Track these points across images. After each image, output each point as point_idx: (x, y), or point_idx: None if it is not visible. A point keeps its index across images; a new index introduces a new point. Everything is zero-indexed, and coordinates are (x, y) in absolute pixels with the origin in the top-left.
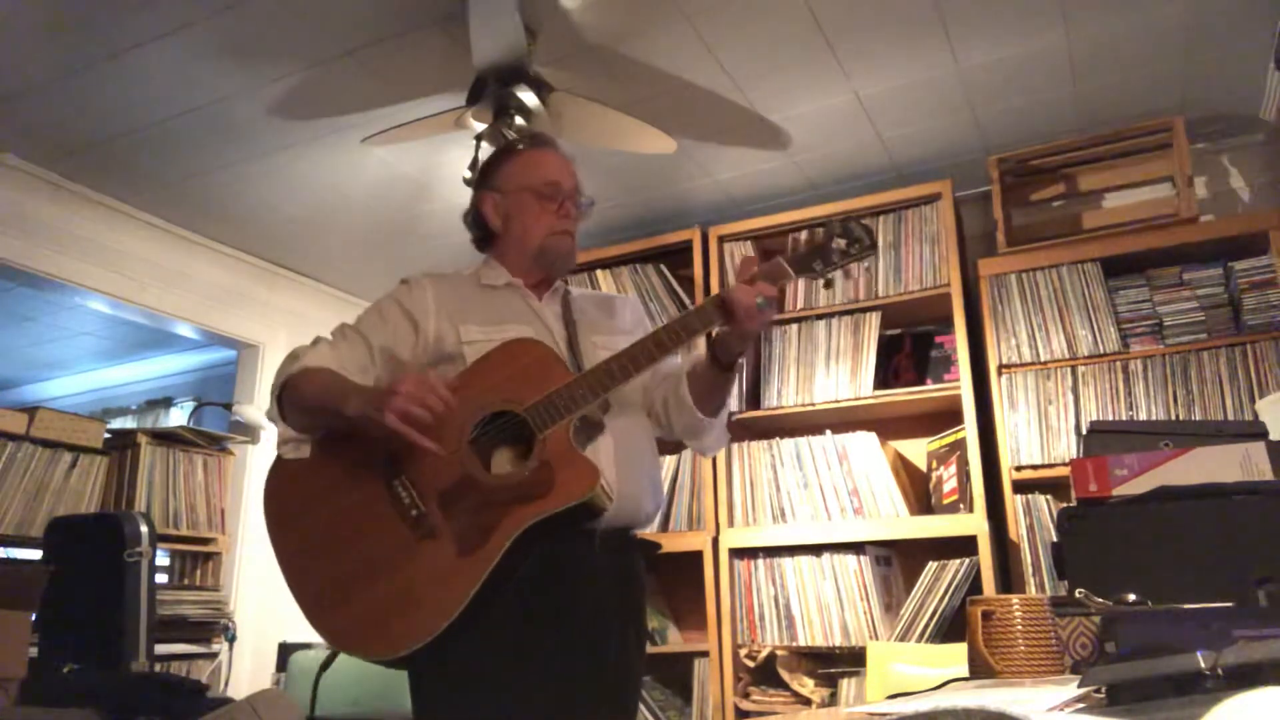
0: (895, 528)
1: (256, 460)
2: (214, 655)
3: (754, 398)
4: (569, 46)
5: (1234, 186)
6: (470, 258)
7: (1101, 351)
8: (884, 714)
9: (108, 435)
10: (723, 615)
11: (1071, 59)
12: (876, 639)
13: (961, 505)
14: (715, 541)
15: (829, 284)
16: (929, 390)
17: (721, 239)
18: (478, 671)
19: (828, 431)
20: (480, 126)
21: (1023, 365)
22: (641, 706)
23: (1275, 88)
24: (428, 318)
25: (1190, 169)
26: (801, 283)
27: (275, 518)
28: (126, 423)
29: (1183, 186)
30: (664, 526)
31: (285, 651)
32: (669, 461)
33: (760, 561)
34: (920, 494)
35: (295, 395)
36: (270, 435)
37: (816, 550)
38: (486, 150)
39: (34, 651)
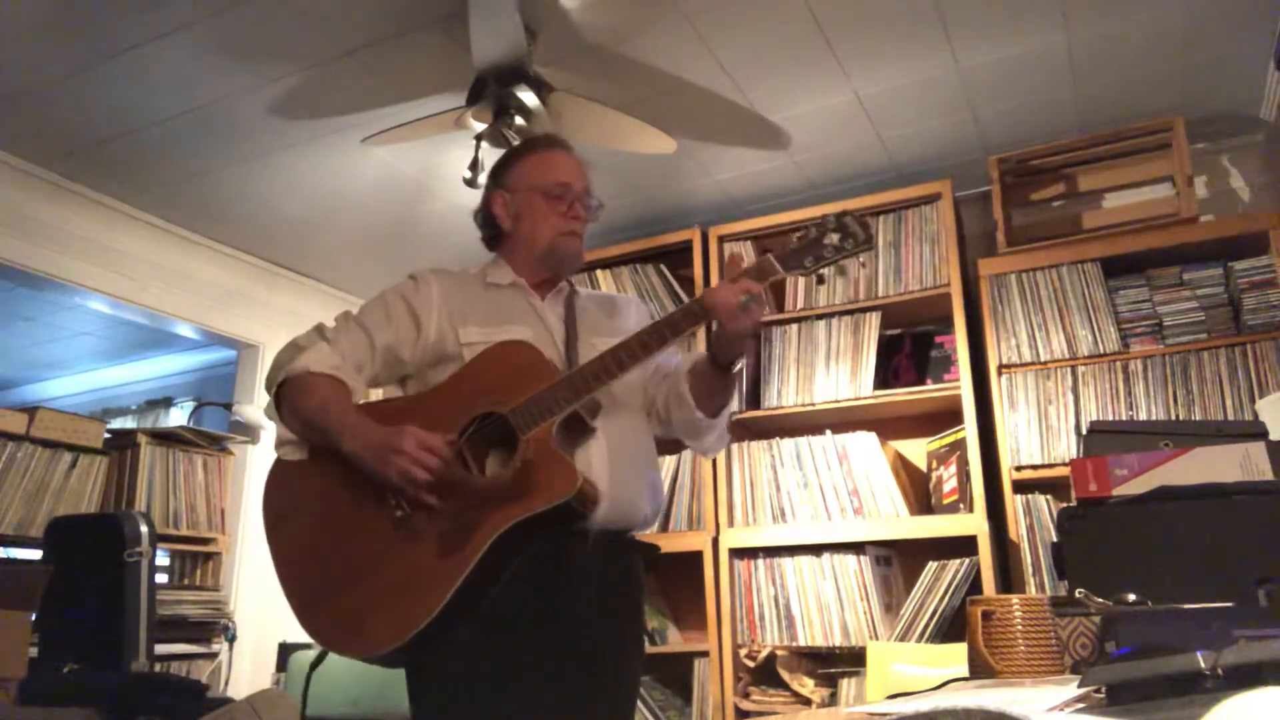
0: (895, 528)
1: (256, 460)
2: (214, 655)
3: (754, 398)
4: (569, 46)
5: (1234, 186)
6: (470, 258)
7: (1101, 351)
8: (884, 714)
9: (108, 435)
10: (723, 615)
11: (1071, 59)
12: (876, 639)
13: (961, 505)
14: (715, 541)
15: (821, 280)
16: (929, 390)
17: (721, 239)
18: (473, 672)
19: (828, 431)
20: (480, 126)
21: (1023, 365)
22: (641, 706)
23: (1275, 88)
24: (430, 317)
25: (1190, 169)
26: (801, 282)
27: (272, 518)
28: (126, 423)
29: (1183, 186)
30: (664, 526)
31: (285, 651)
32: (669, 462)
33: (760, 561)
34: (920, 494)
35: (293, 401)
36: (269, 435)
37: (816, 550)
38: (487, 150)
39: (34, 651)
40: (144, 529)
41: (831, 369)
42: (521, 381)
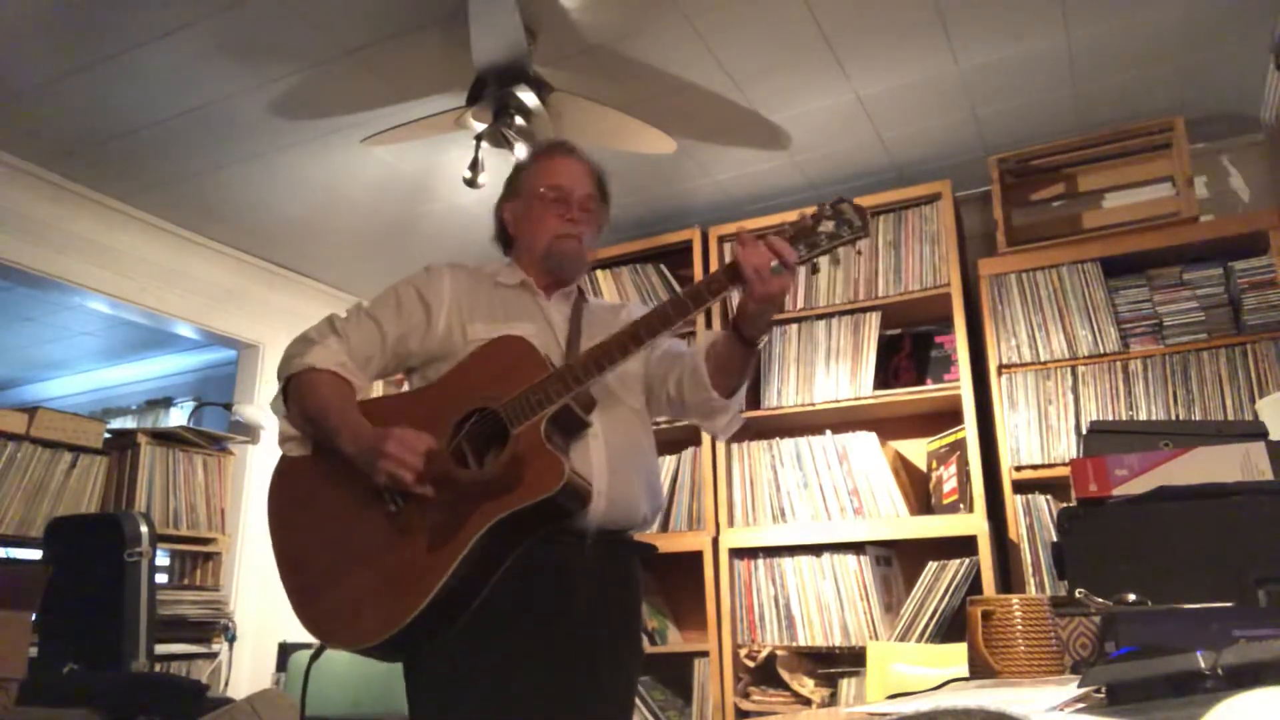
0: (895, 528)
1: (256, 460)
2: (214, 655)
3: (754, 398)
4: (569, 46)
5: (1234, 186)
6: (470, 258)
7: (1101, 351)
8: (884, 714)
9: (108, 435)
10: (723, 615)
11: (1071, 59)
12: (876, 639)
13: (961, 505)
14: (715, 541)
15: (815, 269)
16: (929, 390)
17: (721, 239)
18: (469, 672)
19: (828, 431)
20: (480, 126)
21: (1023, 365)
22: (641, 706)
23: (1275, 88)
24: (441, 308)
25: (1190, 169)
26: (801, 282)
27: (275, 514)
28: (126, 423)
29: (1183, 186)
30: (664, 526)
31: (285, 651)
32: (669, 462)
33: (760, 561)
34: (920, 494)
35: (298, 397)
36: (270, 435)
37: (816, 550)
38: (487, 150)
39: (34, 651)
40: (144, 529)
41: (831, 369)
42: (515, 376)
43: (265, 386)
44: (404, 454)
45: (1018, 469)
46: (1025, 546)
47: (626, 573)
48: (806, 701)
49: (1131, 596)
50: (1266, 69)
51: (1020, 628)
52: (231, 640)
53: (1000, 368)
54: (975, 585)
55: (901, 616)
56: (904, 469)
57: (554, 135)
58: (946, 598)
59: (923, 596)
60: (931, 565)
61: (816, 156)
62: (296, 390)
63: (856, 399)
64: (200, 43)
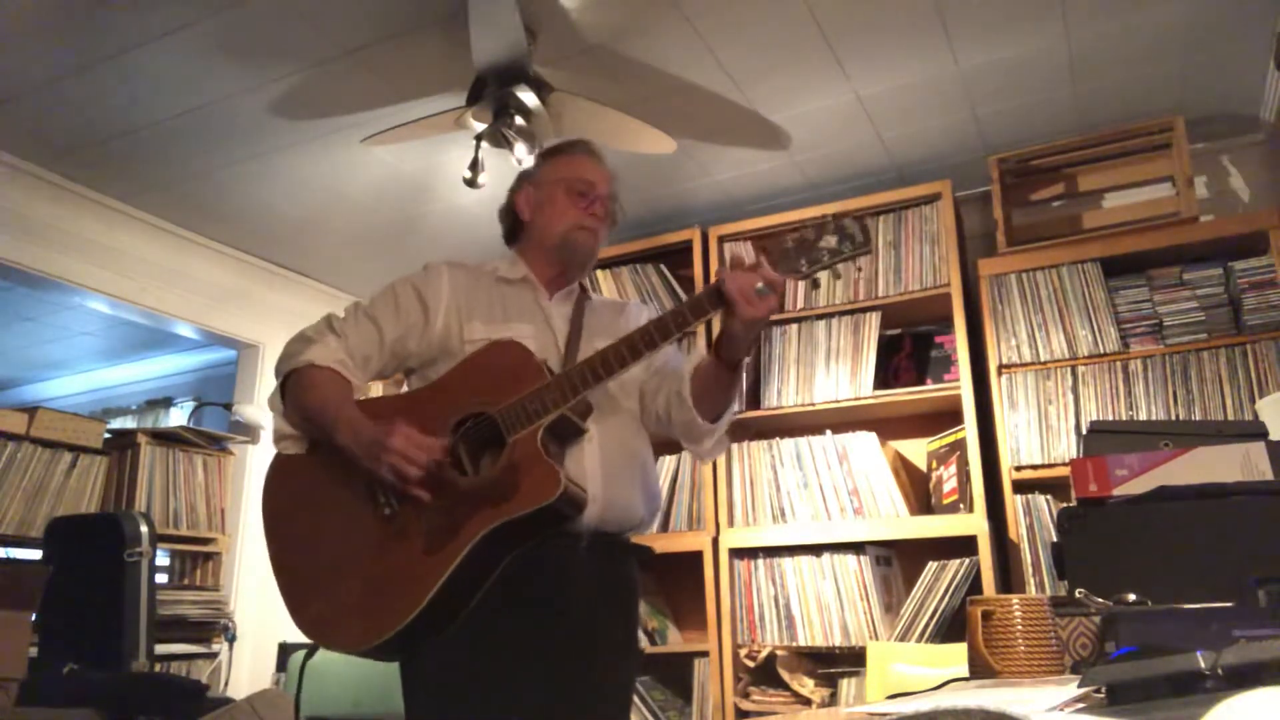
0: (895, 528)
1: (256, 460)
2: (214, 655)
3: (754, 398)
4: (569, 46)
5: (1234, 186)
6: (470, 258)
7: (1101, 351)
8: (884, 714)
9: (108, 435)
10: (723, 615)
11: (1071, 59)
12: (876, 639)
13: (961, 505)
14: (715, 541)
15: (815, 284)
16: (929, 390)
17: (721, 239)
18: (464, 673)
19: (828, 431)
20: (480, 126)
21: (1023, 365)
22: (641, 706)
23: (1275, 88)
24: (439, 307)
25: (1190, 169)
26: (800, 284)
27: (270, 513)
28: (126, 423)
29: (1183, 186)
30: (664, 526)
31: (285, 651)
32: (669, 461)
33: (760, 561)
34: (920, 494)
35: (295, 395)
36: (269, 435)
37: (816, 550)
38: (487, 150)
39: (34, 651)
40: (144, 529)
41: (831, 369)
42: (511, 381)
43: (265, 386)
44: (410, 449)
45: (1018, 469)
46: (1025, 546)
47: (623, 573)
48: (806, 701)
49: (1131, 596)
50: (1266, 69)
51: (1020, 628)
52: (231, 640)
53: (1000, 368)
54: (975, 585)
55: (901, 616)
56: (904, 469)
57: (554, 135)
58: (946, 598)
59: (923, 596)
60: (931, 565)
61: (816, 156)
62: (295, 386)
63: (856, 399)
64: (200, 43)
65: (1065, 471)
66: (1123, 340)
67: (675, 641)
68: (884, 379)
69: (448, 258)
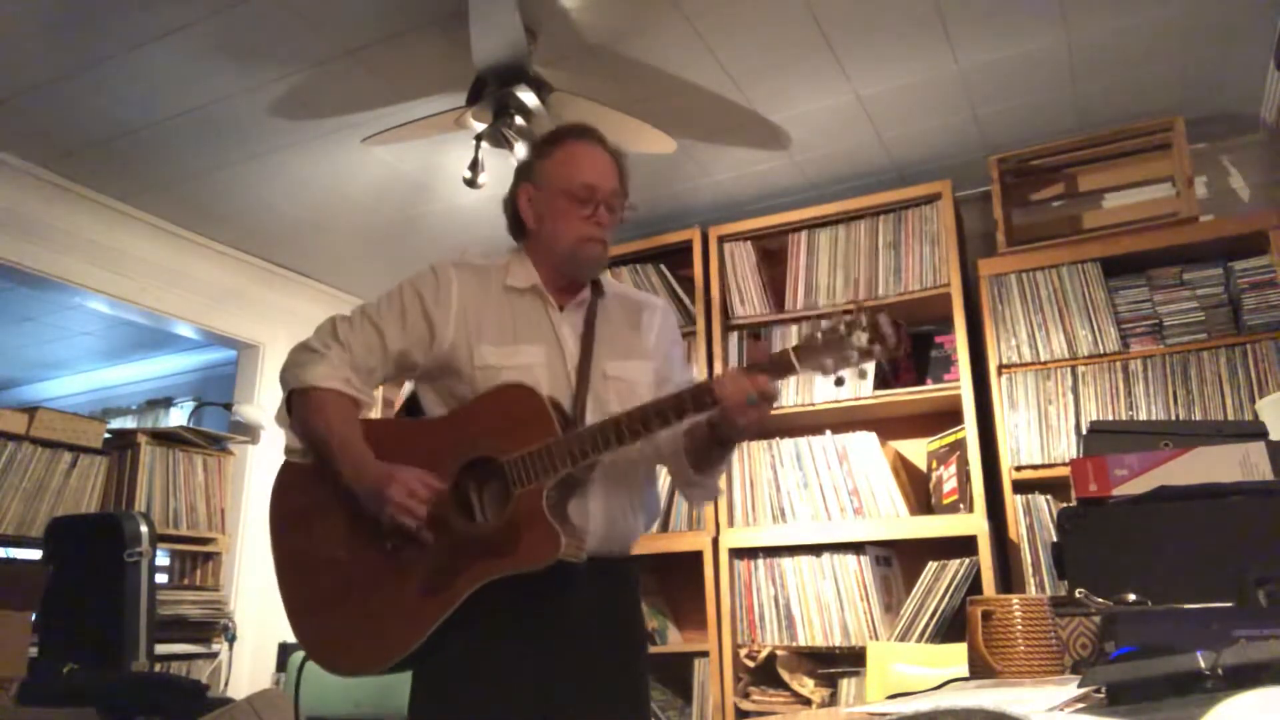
0: (895, 528)
1: (256, 460)
2: (214, 655)
3: None
4: (569, 46)
5: (1234, 186)
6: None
7: (1101, 351)
8: (884, 714)
9: (108, 435)
10: (723, 615)
11: (1071, 59)
12: (876, 639)
13: (961, 505)
14: (715, 542)
15: (839, 382)
16: (929, 390)
17: (721, 239)
18: (464, 682)
19: (828, 431)
20: (480, 126)
21: (1023, 365)
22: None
23: (1275, 88)
24: (447, 323)
25: (1190, 169)
26: (800, 281)
27: (276, 521)
28: (126, 423)
29: (1183, 186)
30: (664, 526)
31: (285, 651)
32: None
33: (760, 561)
34: (920, 494)
35: (301, 417)
36: (269, 435)
37: (816, 550)
38: (487, 150)
39: (34, 651)
40: (144, 529)
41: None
42: (522, 432)
43: (265, 387)
44: (409, 502)
45: (1018, 469)
46: (1025, 546)
47: (623, 574)
48: (806, 701)
49: (1131, 596)
50: (1266, 69)
51: (1020, 628)
52: (231, 640)
53: (1000, 368)
54: (975, 585)
55: (901, 616)
56: (904, 469)
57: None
58: (946, 598)
59: (923, 596)
60: (931, 565)
61: (816, 156)
62: (299, 408)
63: (856, 399)
64: (200, 43)
65: (1065, 471)
66: (1123, 340)
67: (675, 641)
68: (884, 379)
69: (449, 259)
